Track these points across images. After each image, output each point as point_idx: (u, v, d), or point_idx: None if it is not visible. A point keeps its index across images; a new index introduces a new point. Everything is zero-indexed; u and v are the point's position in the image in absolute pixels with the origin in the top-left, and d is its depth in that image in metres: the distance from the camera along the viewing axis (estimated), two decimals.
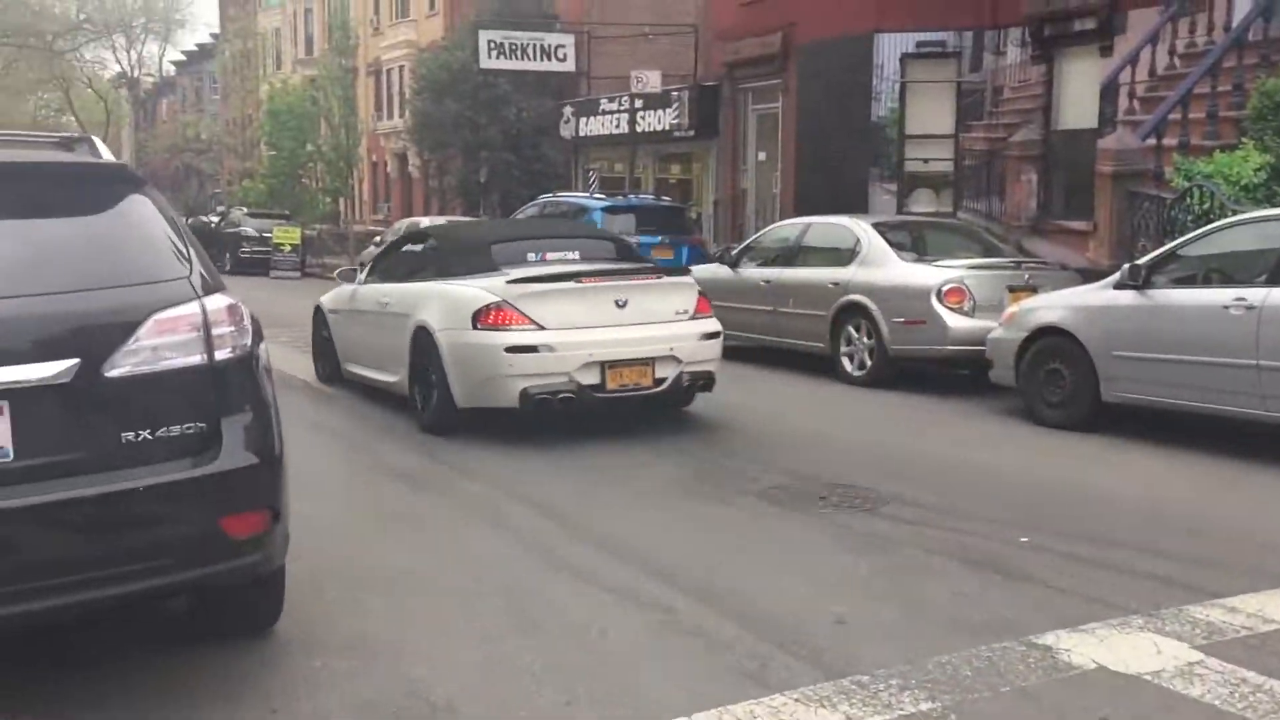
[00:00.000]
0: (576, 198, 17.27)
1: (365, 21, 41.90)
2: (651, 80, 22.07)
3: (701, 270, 13.26)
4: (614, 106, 25.27)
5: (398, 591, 5.01)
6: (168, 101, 74.66)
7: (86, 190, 3.88)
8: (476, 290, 8.22)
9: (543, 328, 7.96)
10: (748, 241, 13.60)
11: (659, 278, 8.92)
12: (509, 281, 8.12)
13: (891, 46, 17.18)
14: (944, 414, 9.59)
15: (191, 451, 3.66)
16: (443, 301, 8.50)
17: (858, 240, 11.28)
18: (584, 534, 5.89)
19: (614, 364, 8.06)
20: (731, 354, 12.66)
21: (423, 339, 8.52)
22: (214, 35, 62.65)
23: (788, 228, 12.84)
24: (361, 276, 10.43)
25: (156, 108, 76.12)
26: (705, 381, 8.67)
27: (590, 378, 7.97)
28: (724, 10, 22.26)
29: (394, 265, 10.19)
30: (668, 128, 23.74)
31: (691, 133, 23.36)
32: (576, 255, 9.05)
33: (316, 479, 6.70)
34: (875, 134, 17.58)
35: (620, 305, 8.22)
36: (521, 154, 28.40)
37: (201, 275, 3.84)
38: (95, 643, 4.37)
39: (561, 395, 7.94)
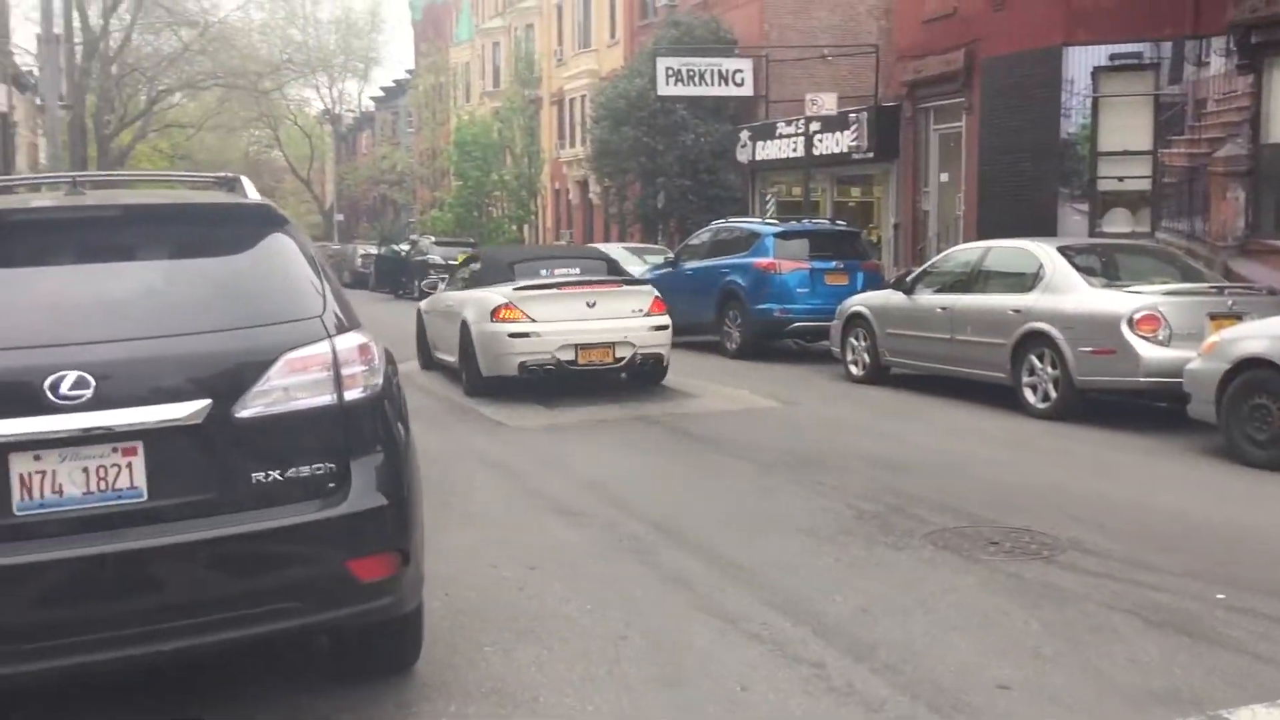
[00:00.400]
0: (748, 223, 17.05)
1: (549, 53, 42.88)
2: (826, 103, 21.69)
3: (874, 297, 12.90)
4: (791, 130, 24.97)
5: (540, 631, 4.90)
6: (367, 135, 78.26)
7: (228, 230, 3.93)
8: (495, 294, 11.57)
9: (534, 320, 11.21)
10: (923, 267, 13.11)
11: (620, 286, 12.05)
12: (515, 288, 11.48)
13: (1082, 60, 16.35)
14: (1135, 452, 8.94)
15: (320, 493, 3.63)
16: (476, 302, 11.84)
17: (1041, 265, 10.69)
18: (737, 574, 5.66)
19: (584, 346, 11.21)
20: (906, 383, 12.31)
21: (464, 329, 11.90)
22: (409, 71, 65.31)
23: (966, 252, 12.31)
24: (442, 287, 14.35)
25: (357, 141, 79.94)
26: (654, 361, 11.70)
27: (567, 355, 11.17)
28: (906, 29, 21.71)
29: (459, 278, 13.72)
30: (846, 150, 23.29)
31: (870, 154, 22.84)
32: (577, 270, 12.35)
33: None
34: (1065, 152, 16.75)
35: (590, 305, 11.44)
36: (698, 179, 28.38)
37: (335, 314, 3.82)
38: (239, 676, 4.41)
39: (546, 367, 11.15)
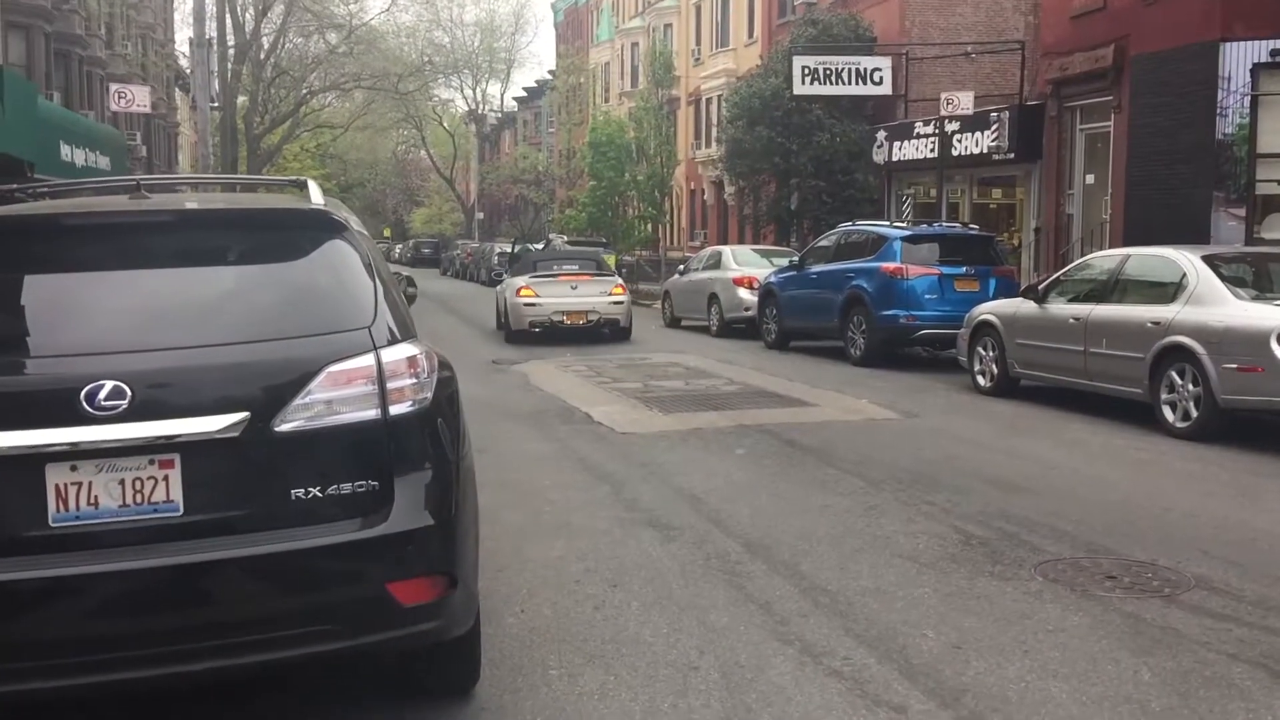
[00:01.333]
0: (876, 226, 16.52)
1: (686, 53, 42.72)
2: (963, 102, 20.96)
3: (1004, 305, 12.33)
4: (929, 130, 24.21)
5: (610, 656, 4.69)
6: (509, 135, 79.51)
7: (280, 237, 3.83)
8: (520, 280, 19.55)
9: (539, 296, 18.77)
10: (1056, 275, 12.45)
11: (593, 276, 19.72)
12: (530, 276, 19.49)
13: (1240, 56, 15.35)
14: None
15: (362, 511, 3.50)
16: (509, 284, 20.00)
17: (1184, 274, 9.99)
18: (825, 601, 5.36)
19: (567, 312, 18.72)
20: (1035, 397, 11.70)
21: (501, 301, 20.44)
22: (550, 73, 66.06)
23: (1103, 259, 11.62)
24: (506, 276, 21.62)
25: (500, 141, 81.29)
26: (612, 323, 18.99)
27: (558, 318, 18.65)
28: (1052, 24, 20.81)
29: (510, 268, 22.72)
30: (986, 150, 22.44)
31: (1012, 155, 21.96)
32: (574, 266, 20.20)
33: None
34: (1220, 153, 15.75)
35: (574, 288, 19.12)
36: (833, 180, 27.80)
37: (388, 325, 3.68)
38: (289, 687, 4.33)
39: (545, 326, 18.59)
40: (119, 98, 20.62)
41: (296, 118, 45.40)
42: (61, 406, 3.25)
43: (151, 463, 3.33)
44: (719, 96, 37.55)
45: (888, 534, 6.55)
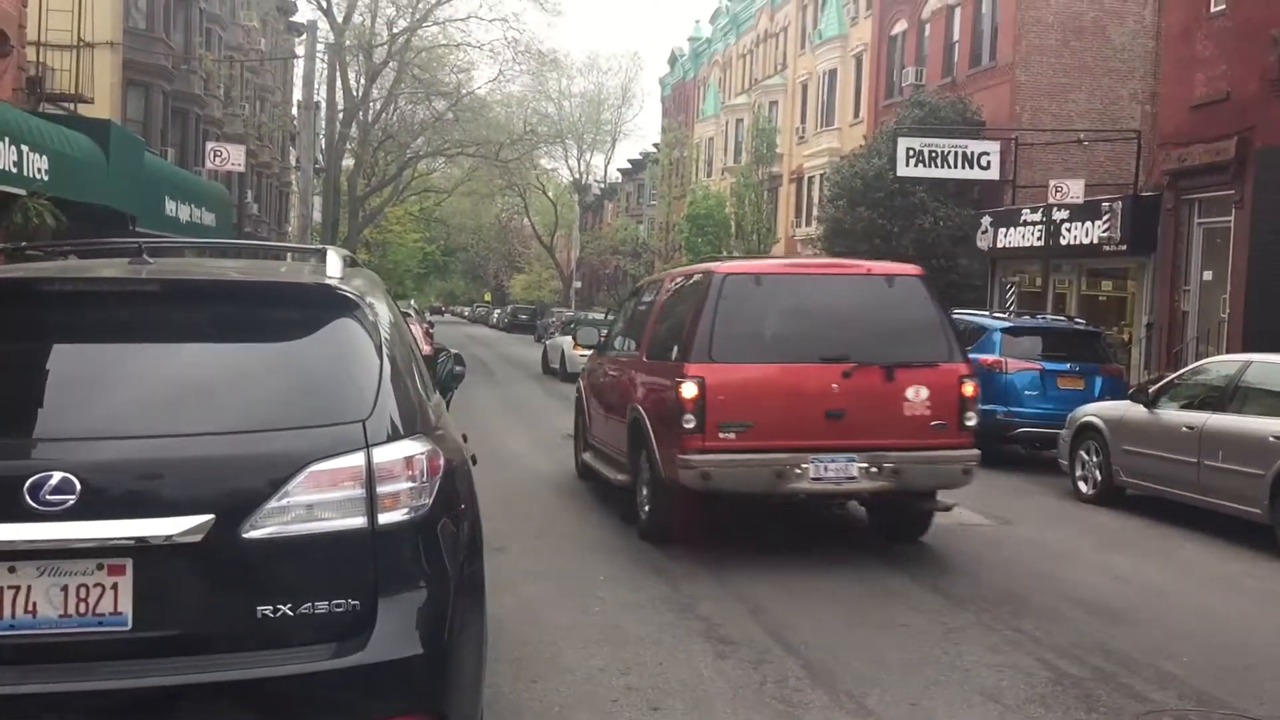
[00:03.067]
0: (975, 316, 15.76)
1: (791, 130, 42.50)
2: (1072, 190, 20.18)
3: (1111, 407, 11.53)
4: (1037, 217, 23.40)
5: None
6: (611, 205, 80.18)
7: (278, 313, 3.43)
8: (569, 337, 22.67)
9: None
10: (1169, 377, 11.61)
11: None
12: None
13: None
14: None
15: (338, 635, 3.03)
16: (566, 341, 25.36)
17: None
18: None
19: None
20: (1142, 508, 10.82)
21: (556, 353, 27.79)
22: (655, 145, 66.55)
23: (1222, 365, 10.76)
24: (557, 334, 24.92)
25: (601, 211, 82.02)
26: None
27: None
28: (1171, 114, 19.98)
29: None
30: (1096, 241, 21.54)
31: (1124, 247, 21.02)
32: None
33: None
34: None
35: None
36: (935, 265, 26.99)
37: (390, 418, 3.23)
38: None
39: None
40: (215, 156, 21.02)
41: (400, 181, 46.18)
42: (2, 498, 2.86)
43: (100, 568, 2.92)
44: (821, 175, 37.16)
45: (968, 665, 5.86)
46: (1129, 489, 11.03)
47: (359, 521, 3.07)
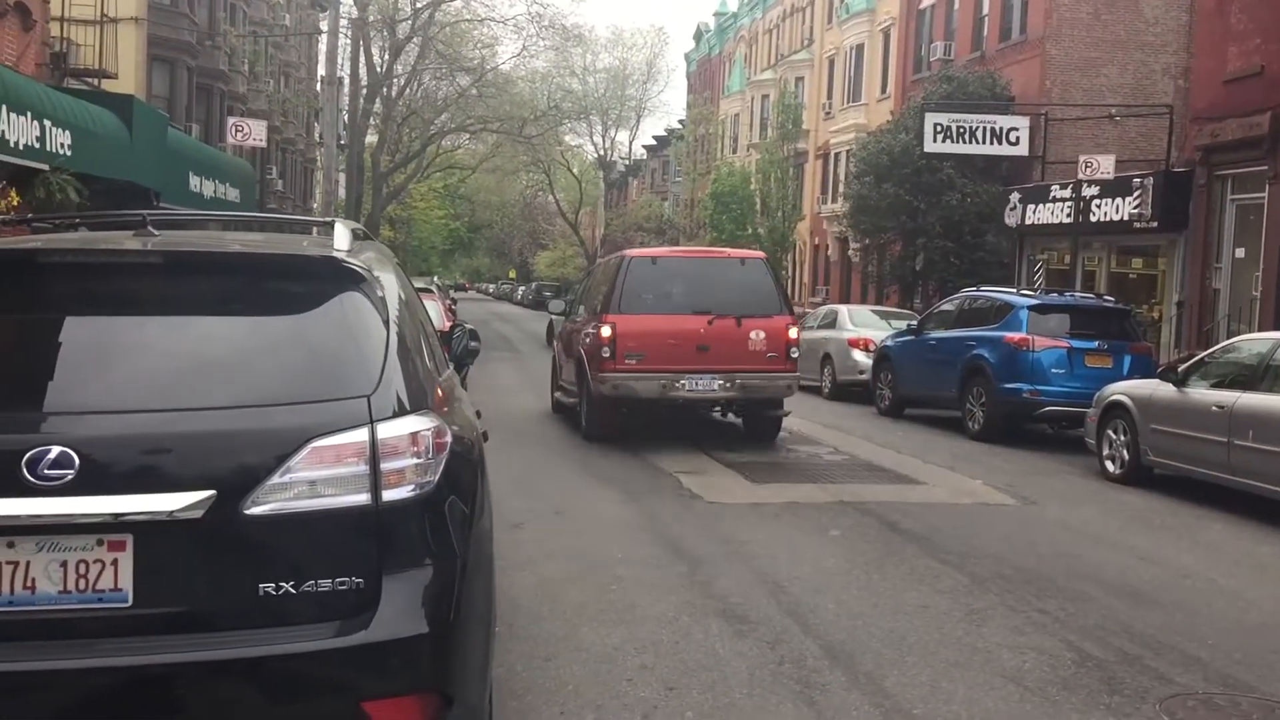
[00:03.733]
0: (1001, 293, 15.57)
1: (817, 106, 42.14)
2: (1103, 165, 19.91)
3: (1139, 386, 11.36)
4: (1066, 193, 23.13)
5: None
6: (637, 182, 79.91)
7: (282, 286, 3.35)
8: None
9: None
10: (1199, 355, 11.41)
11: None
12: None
13: None
14: None
15: (341, 613, 2.97)
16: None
17: None
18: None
19: None
20: (1170, 488, 10.67)
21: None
22: (680, 122, 66.21)
23: (1253, 342, 10.55)
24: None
25: (626, 188, 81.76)
26: None
27: None
28: (1204, 89, 19.65)
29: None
30: (1126, 217, 21.28)
31: (1154, 224, 20.76)
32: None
33: None
34: None
35: None
36: (962, 242, 26.82)
37: (396, 393, 3.16)
38: None
39: None
40: (236, 131, 20.99)
41: (423, 157, 46.09)
42: (1, 473, 2.81)
43: (99, 544, 2.87)
44: (848, 151, 36.89)
45: (990, 646, 5.77)
46: (1157, 469, 10.87)
47: (363, 498, 3.01)
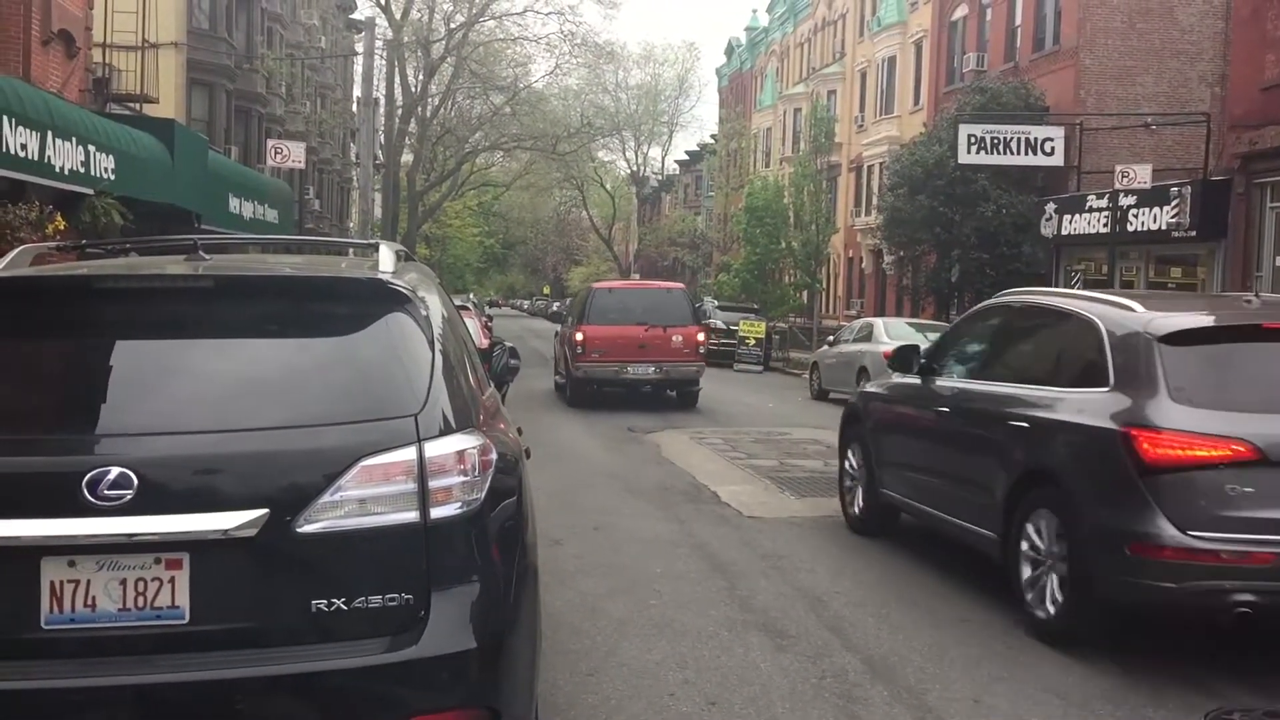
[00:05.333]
0: None
1: (849, 119, 42.11)
2: (1140, 175, 19.75)
3: None
4: (1103, 203, 22.98)
5: None
6: (668, 197, 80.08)
7: (329, 308, 3.43)
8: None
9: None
10: None
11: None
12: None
13: None
14: None
15: (391, 629, 3.03)
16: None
17: None
18: None
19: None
20: None
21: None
22: (712, 137, 66.33)
23: None
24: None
25: (659, 203, 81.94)
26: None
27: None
28: (1241, 96, 19.48)
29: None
30: (1164, 227, 21.12)
31: (1193, 233, 20.59)
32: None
33: None
34: None
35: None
36: (997, 253, 26.66)
37: (441, 412, 3.23)
38: None
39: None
40: (275, 153, 21.27)
41: (458, 176, 46.43)
42: (61, 494, 2.89)
43: (157, 562, 2.95)
44: (881, 164, 36.84)
45: (1032, 660, 5.75)
46: None
47: (411, 516, 3.07)
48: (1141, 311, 6.17)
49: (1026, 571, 6.28)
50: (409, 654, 2.99)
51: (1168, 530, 5.38)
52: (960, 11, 33.95)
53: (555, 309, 66.02)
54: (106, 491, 2.88)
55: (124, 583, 2.93)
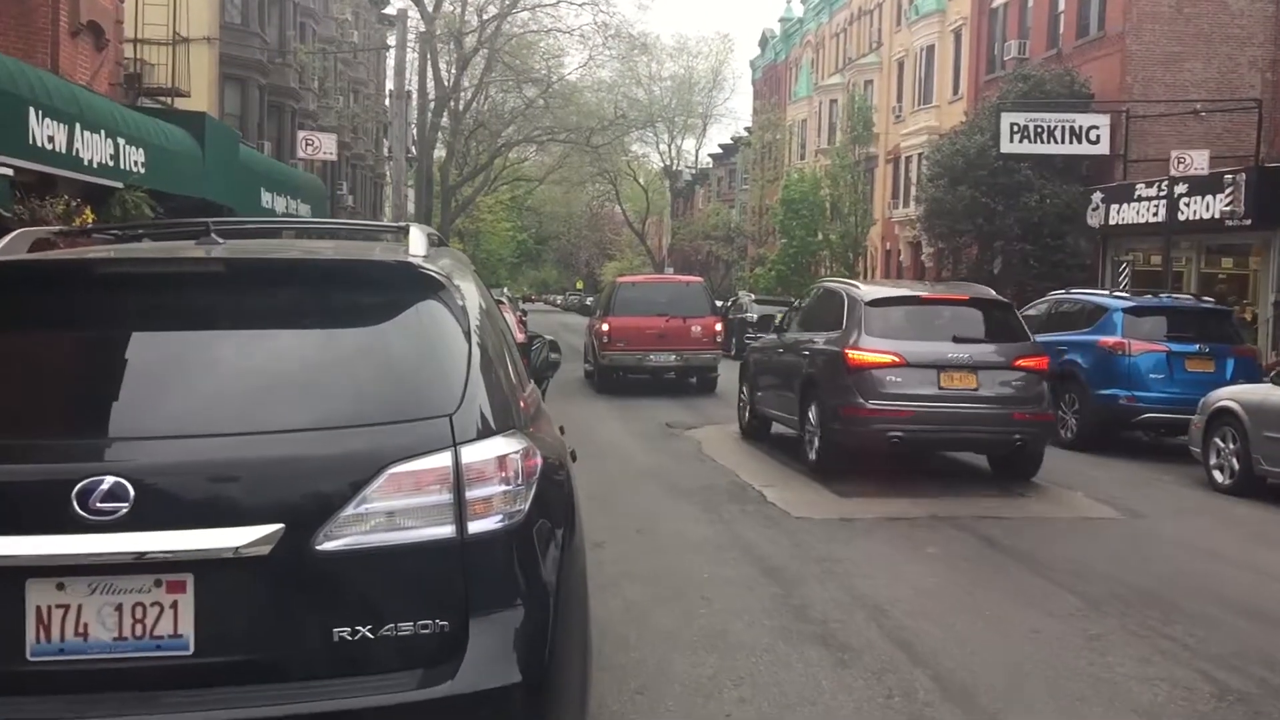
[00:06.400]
0: (1093, 296, 14.96)
1: (887, 109, 41.46)
2: (1196, 161, 19.14)
3: (1250, 391, 10.76)
4: (1152, 192, 22.36)
5: None
6: (702, 190, 79.52)
7: (355, 296, 3.05)
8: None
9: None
10: None
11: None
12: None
13: None
14: None
15: (425, 660, 2.66)
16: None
17: None
18: None
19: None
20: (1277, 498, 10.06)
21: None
22: (746, 129, 65.71)
23: None
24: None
25: (693, 196, 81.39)
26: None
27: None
28: None
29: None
30: (1217, 215, 20.48)
31: (1248, 222, 19.94)
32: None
33: None
34: None
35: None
36: (1041, 244, 26.02)
37: (479, 411, 2.84)
38: None
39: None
40: (307, 145, 21.00)
41: (491, 170, 46.13)
42: (48, 507, 2.54)
43: (157, 584, 2.59)
44: (919, 154, 36.22)
45: (1117, 678, 5.31)
46: (1271, 479, 10.25)
47: (446, 530, 2.69)
48: (862, 289, 11.27)
49: (807, 438, 11.18)
50: (444, 689, 2.61)
51: (859, 401, 10.16)
52: None
53: (588, 303, 66.08)
54: (99, 504, 2.53)
55: (119, 608, 2.58)
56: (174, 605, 2.58)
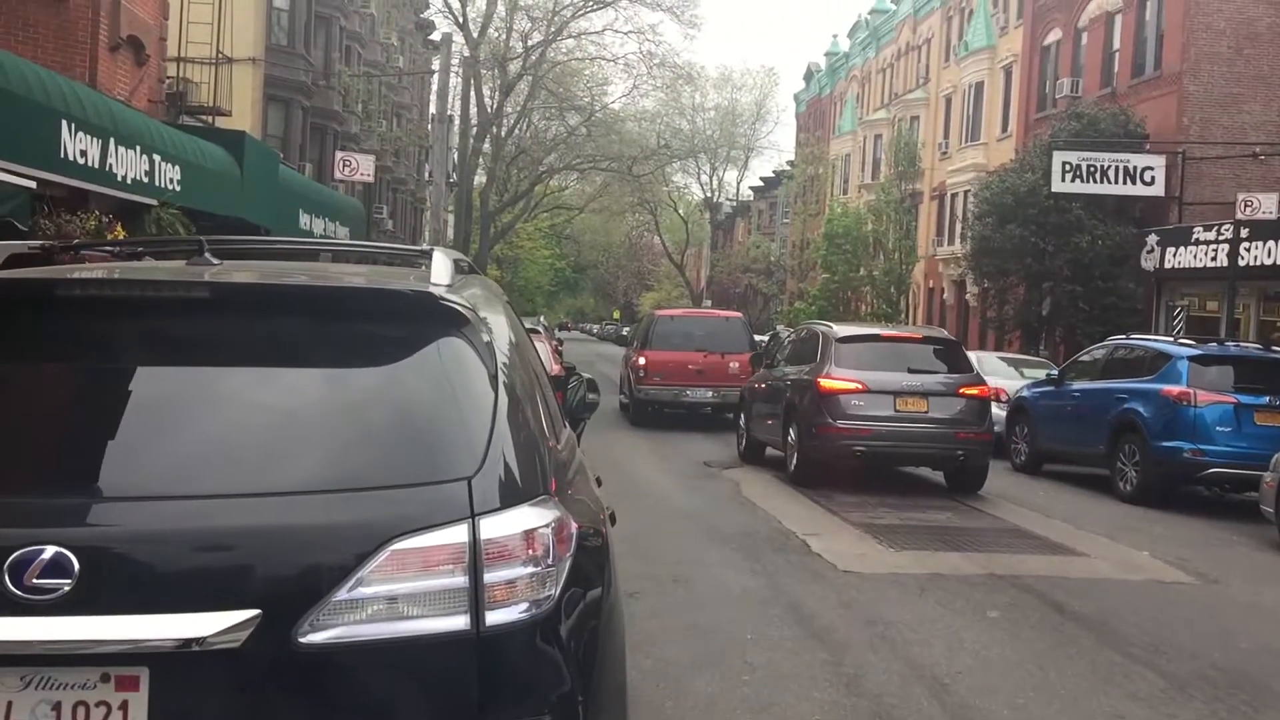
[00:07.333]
0: (1156, 342, 14.32)
1: (933, 145, 40.91)
2: (1265, 204, 18.50)
3: None
4: (1211, 236, 21.69)
5: None
6: (742, 223, 79.15)
7: (362, 331, 2.57)
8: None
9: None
10: None
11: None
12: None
13: None
14: None
15: None
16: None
17: None
18: None
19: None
20: None
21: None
22: (789, 163, 65.36)
23: None
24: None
25: (733, 229, 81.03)
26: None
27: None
28: None
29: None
30: (1279, 262, 19.73)
31: None
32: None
33: None
34: None
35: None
36: (1092, 286, 25.31)
37: (502, 473, 2.36)
38: None
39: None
40: (344, 166, 20.76)
41: (531, 197, 45.96)
42: None
43: (104, 680, 2.12)
44: (966, 192, 35.60)
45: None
46: None
47: (459, 622, 2.21)
48: (835, 329, 13.45)
49: (788, 454, 13.03)
50: None
51: (829, 421, 12.17)
52: (1053, 36, 32.71)
53: (624, 333, 65.96)
54: (36, 579, 2.07)
55: (58, 707, 2.11)
56: (123, 706, 2.11)
